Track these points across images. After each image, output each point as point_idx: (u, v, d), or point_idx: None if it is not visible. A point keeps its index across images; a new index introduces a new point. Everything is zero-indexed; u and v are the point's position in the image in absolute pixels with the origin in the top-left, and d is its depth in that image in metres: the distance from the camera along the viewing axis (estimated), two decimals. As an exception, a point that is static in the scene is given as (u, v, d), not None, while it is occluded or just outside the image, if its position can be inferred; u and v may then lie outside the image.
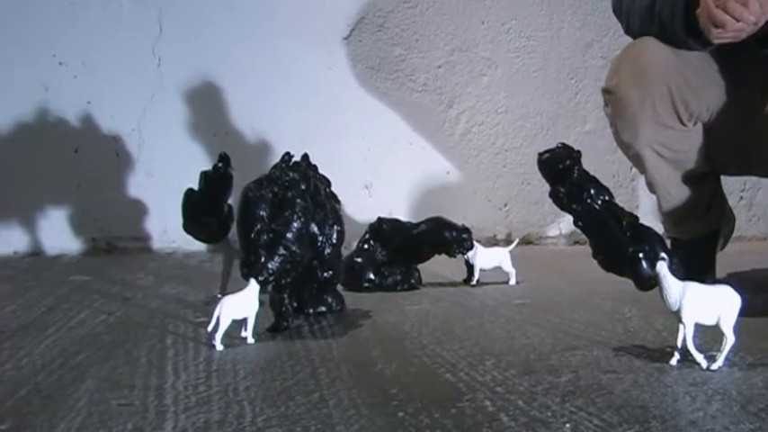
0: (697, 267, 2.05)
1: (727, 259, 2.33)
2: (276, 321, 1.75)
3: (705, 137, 2.09)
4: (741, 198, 3.59)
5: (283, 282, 1.73)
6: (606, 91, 2.07)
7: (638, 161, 2.12)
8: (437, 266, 2.47)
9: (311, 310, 1.93)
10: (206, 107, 3.33)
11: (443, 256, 2.35)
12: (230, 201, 2.13)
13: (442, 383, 1.34)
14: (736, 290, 1.39)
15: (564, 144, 1.64)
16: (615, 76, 2.04)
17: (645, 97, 1.99)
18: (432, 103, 3.48)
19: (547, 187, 1.63)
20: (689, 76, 2.00)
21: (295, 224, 1.75)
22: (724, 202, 2.28)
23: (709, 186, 2.20)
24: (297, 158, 1.91)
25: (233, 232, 1.96)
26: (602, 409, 1.17)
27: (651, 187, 2.17)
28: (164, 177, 3.22)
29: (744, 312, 1.40)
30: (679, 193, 2.13)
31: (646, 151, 2.06)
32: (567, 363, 1.45)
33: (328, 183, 1.99)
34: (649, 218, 2.14)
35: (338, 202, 1.99)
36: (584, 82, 3.58)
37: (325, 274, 1.92)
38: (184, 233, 2.18)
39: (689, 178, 2.12)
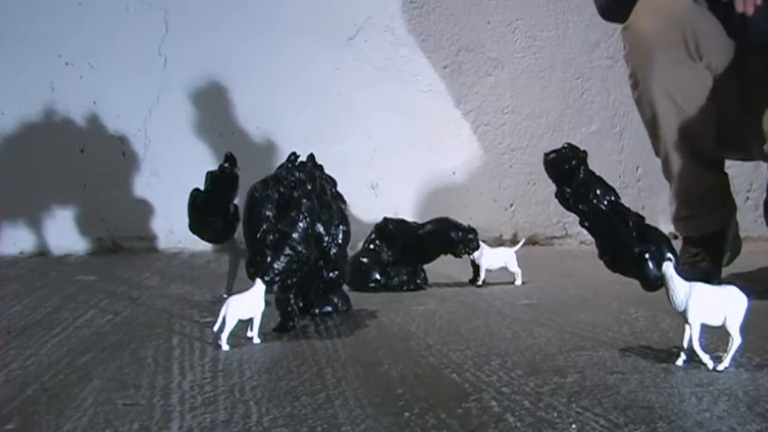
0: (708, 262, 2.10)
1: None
2: (282, 321, 1.75)
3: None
4: (747, 198, 3.58)
5: (289, 282, 1.73)
6: (624, 28, 2.19)
7: (649, 110, 2.17)
8: (443, 267, 2.46)
9: (317, 311, 1.93)
10: (212, 107, 3.33)
11: (449, 257, 2.35)
12: (236, 201, 2.14)
13: (448, 384, 1.34)
14: (742, 290, 1.39)
15: (570, 144, 1.64)
16: (634, 14, 2.16)
17: (658, 27, 2.10)
18: (438, 103, 3.48)
19: (553, 187, 1.63)
20: (701, 24, 2.10)
21: (301, 224, 1.76)
22: (733, 207, 2.30)
23: (716, 174, 2.26)
24: (303, 158, 1.91)
25: (239, 232, 1.96)
26: (609, 410, 1.17)
27: (658, 145, 2.23)
28: (170, 177, 3.23)
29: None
30: (687, 166, 2.18)
31: (657, 93, 2.12)
32: (574, 363, 1.45)
33: (334, 183, 1.99)
34: (656, 219, 2.14)
35: (344, 202, 1.99)
36: (591, 82, 3.57)
37: (331, 275, 1.92)
38: (190, 233, 2.18)
39: (697, 154, 2.18)
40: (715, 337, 1.46)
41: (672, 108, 2.14)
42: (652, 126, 2.22)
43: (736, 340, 1.38)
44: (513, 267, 2.39)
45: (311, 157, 1.94)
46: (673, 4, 2.11)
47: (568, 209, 1.61)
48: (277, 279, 1.70)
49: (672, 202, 2.29)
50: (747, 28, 2.05)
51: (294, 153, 1.89)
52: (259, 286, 1.65)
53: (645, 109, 2.20)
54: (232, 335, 1.60)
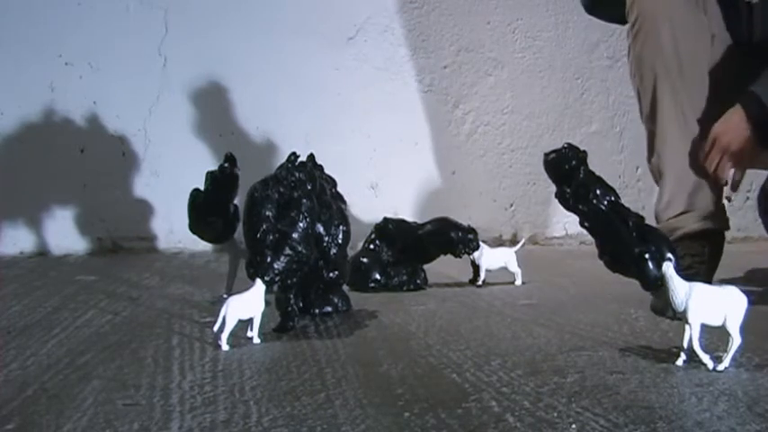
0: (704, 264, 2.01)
1: (734, 259, 2.33)
2: (282, 321, 1.75)
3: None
4: (747, 198, 3.58)
5: (289, 282, 1.73)
6: None
7: (650, 62, 2.05)
8: (443, 267, 2.47)
9: (317, 311, 1.93)
10: (212, 107, 3.34)
11: (449, 257, 2.35)
12: (236, 201, 2.14)
13: (447, 384, 1.34)
14: (741, 290, 1.39)
15: (570, 144, 1.64)
16: None
17: None
18: (438, 103, 3.48)
19: (553, 187, 1.63)
20: None
21: (301, 224, 1.75)
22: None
23: None
24: (303, 158, 1.91)
25: (239, 232, 1.96)
26: (609, 410, 1.17)
27: (654, 113, 2.08)
28: (170, 177, 3.23)
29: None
30: (685, 139, 2.05)
31: (665, 36, 2.01)
32: (573, 363, 1.45)
33: (334, 183, 1.99)
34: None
35: (344, 202, 1.99)
36: (590, 82, 3.58)
37: (331, 275, 1.92)
38: (190, 233, 2.18)
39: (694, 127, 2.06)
40: (715, 337, 1.46)
41: (675, 62, 2.02)
42: (652, 89, 2.06)
43: (736, 340, 1.38)
44: (513, 267, 2.39)
45: (311, 157, 1.94)
46: None
47: (568, 209, 1.61)
48: (277, 279, 1.69)
49: (665, 191, 2.07)
50: (753, 23, 2.02)
51: (294, 153, 1.89)
52: (259, 286, 1.65)
53: (646, 59, 2.05)
54: (232, 335, 1.60)
